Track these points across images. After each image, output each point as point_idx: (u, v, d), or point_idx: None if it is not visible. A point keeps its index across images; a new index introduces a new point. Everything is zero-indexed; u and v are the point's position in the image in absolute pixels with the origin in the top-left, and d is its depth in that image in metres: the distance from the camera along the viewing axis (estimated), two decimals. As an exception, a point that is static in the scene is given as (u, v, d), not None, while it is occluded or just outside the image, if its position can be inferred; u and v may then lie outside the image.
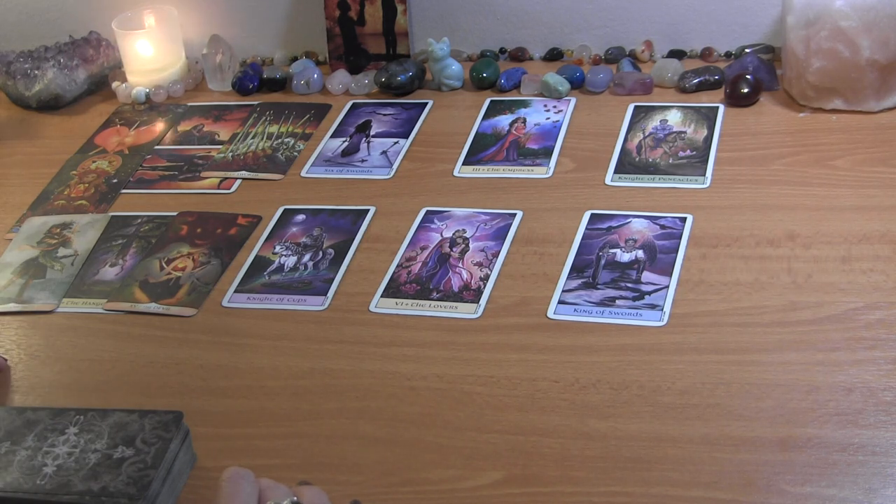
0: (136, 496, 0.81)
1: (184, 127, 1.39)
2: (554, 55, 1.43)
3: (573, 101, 1.32)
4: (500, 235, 1.10)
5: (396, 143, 1.29)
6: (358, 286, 1.07)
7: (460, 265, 1.07)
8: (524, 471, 0.84)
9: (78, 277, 1.13)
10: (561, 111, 1.31)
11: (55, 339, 1.06)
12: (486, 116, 1.32)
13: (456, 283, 1.05)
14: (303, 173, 1.26)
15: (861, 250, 1.02)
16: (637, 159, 1.20)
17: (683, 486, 0.81)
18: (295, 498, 0.71)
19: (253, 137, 1.34)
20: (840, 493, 0.79)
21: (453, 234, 1.12)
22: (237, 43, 1.49)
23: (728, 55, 1.38)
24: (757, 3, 1.35)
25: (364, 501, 0.81)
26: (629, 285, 1.01)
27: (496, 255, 1.08)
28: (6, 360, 1.02)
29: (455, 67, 1.38)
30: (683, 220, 1.09)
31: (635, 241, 1.07)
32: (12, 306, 1.10)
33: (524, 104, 1.33)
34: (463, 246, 1.10)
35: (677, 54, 1.39)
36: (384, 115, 1.36)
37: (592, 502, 0.81)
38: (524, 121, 1.30)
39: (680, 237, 1.06)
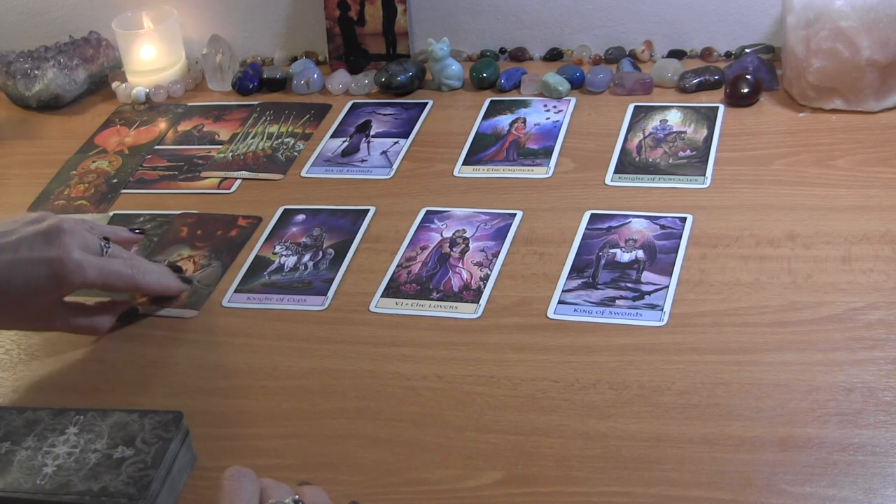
0: (136, 496, 0.81)
1: (184, 127, 1.39)
2: (554, 55, 1.43)
3: (573, 101, 1.32)
4: (500, 235, 1.10)
5: (396, 143, 1.29)
6: (358, 286, 1.07)
7: (460, 265, 1.07)
8: (524, 471, 0.84)
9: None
10: (561, 111, 1.31)
11: (55, 339, 1.06)
12: (486, 116, 1.32)
13: (456, 283, 1.05)
14: (303, 173, 1.26)
15: (861, 250, 1.02)
16: (637, 159, 1.20)
17: (683, 486, 0.81)
18: (297, 497, 0.71)
19: (253, 137, 1.34)
20: (840, 493, 0.79)
21: (453, 234, 1.12)
22: (237, 43, 1.49)
23: (728, 55, 1.38)
24: (757, 3, 1.35)
25: (364, 501, 0.81)
26: (629, 285, 1.01)
27: (496, 255, 1.08)
28: None
29: (455, 67, 1.38)
30: (683, 220, 1.09)
31: (635, 241, 1.07)
32: (12, 306, 1.10)
33: (524, 104, 1.33)
34: (463, 246, 1.10)
35: (677, 54, 1.39)
36: (384, 115, 1.36)
37: (592, 502, 0.81)
38: (524, 121, 1.30)
39: (680, 237, 1.06)
